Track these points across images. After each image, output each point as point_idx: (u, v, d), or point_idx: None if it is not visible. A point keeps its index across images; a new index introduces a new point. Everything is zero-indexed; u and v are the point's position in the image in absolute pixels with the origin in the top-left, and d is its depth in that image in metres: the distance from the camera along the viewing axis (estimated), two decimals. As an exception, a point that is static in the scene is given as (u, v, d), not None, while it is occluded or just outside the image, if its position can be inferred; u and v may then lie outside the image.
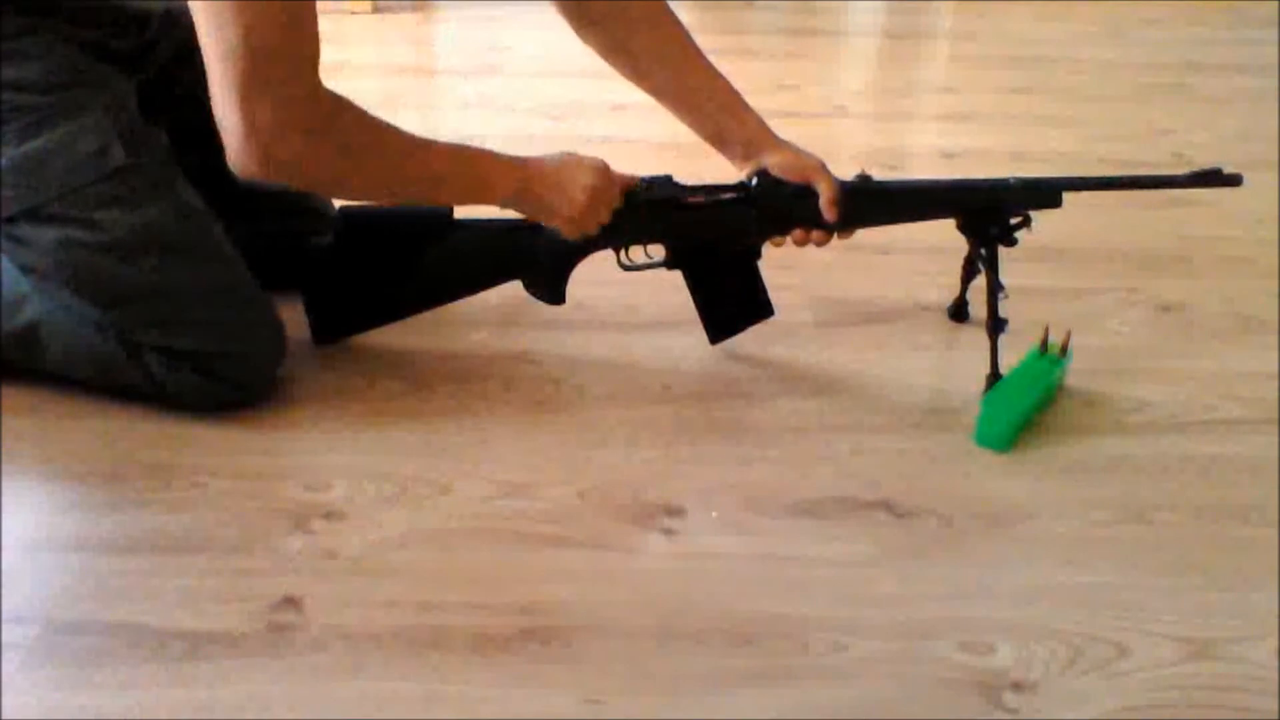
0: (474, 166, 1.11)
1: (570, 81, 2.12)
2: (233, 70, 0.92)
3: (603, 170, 1.16)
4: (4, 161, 1.06)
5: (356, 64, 2.34)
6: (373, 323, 1.27)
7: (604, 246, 1.22)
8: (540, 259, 1.23)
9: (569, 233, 1.17)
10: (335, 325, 1.26)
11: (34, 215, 1.08)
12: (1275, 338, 1.36)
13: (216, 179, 1.22)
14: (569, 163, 1.15)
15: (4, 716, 0.82)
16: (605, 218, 1.18)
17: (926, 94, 2.39)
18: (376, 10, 2.73)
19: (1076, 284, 1.48)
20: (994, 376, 1.19)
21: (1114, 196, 1.27)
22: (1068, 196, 1.19)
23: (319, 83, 0.97)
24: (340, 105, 1.00)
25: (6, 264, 1.14)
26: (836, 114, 2.16)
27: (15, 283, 1.14)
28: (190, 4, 0.92)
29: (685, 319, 1.28)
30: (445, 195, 1.12)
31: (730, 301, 1.26)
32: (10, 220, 1.08)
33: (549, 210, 1.15)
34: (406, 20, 2.73)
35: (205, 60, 0.93)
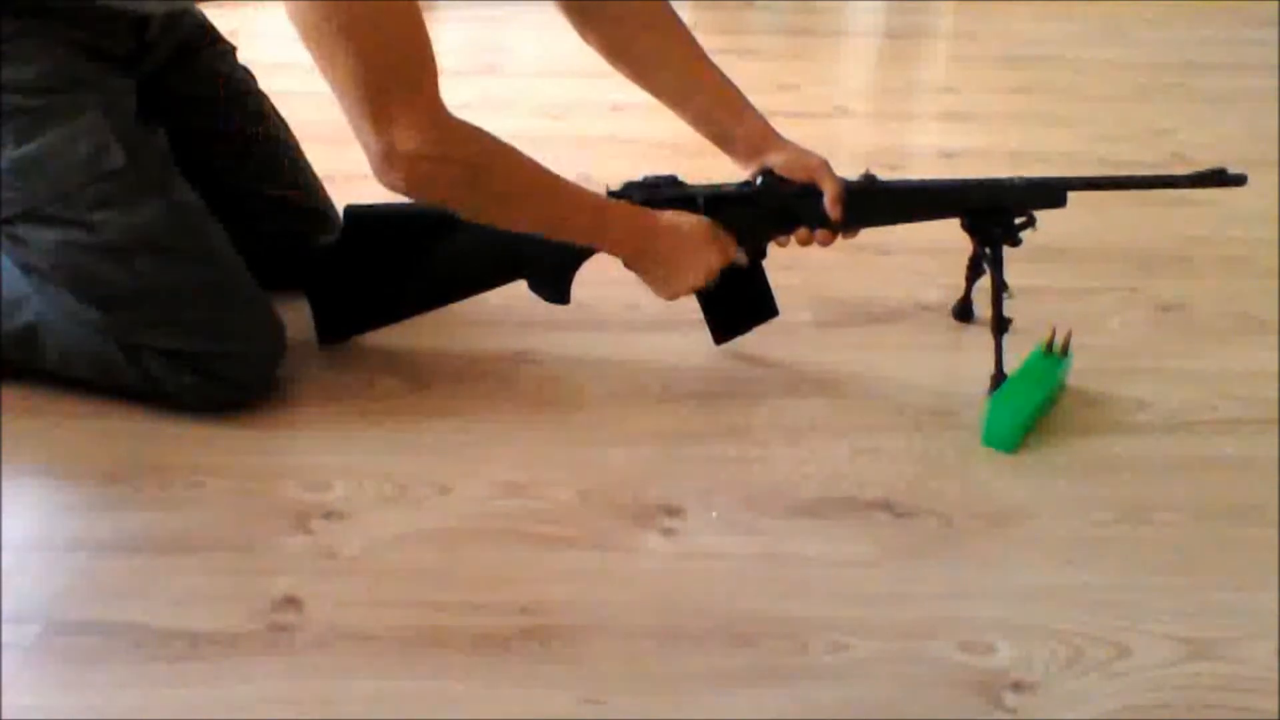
0: (600, 211, 1.14)
1: (570, 81, 2.11)
2: (361, 105, 0.96)
3: (718, 241, 1.17)
4: (2, 163, 1.06)
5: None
6: (378, 321, 1.27)
7: None
8: (545, 258, 1.23)
9: (677, 296, 1.20)
10: (341, 324, 1.26)
11: (33, 216, 1.08)
12: (1275, 338, 1.36)
13: (216, 179, 1.23)
14: (693, 236, 1.16)
15: (4, 716, 0.81)
16: (710, 286, 1.20)
17: (926, 94, 2.39)
18: (377, 10, 2.72)
19: (1076, 284, 1.48)
20: (999, 377, 1.19)
21: (1114, 196, 1.27)
22: (1069, 196, 1.19)
23: (443, 109, 1.01)
24: (472, 132, 1.03)
25: (6, 264, 1.14)
26: (837, 114, 2.16)
27: (15, 283, 1.14)
28: (304, 41, 0.95)
29: (686, 319, 1.28)
30: (568, 233, 1.15)
31: (735, 302, 1.26)
32: (9, 221, 1.08)
33: (661, 281, 1.18)
34: (406, 20, 2.72)
35: (334, 91, 0.97)
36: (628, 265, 1.19)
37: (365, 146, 0.99)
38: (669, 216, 1.16)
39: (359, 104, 0.97)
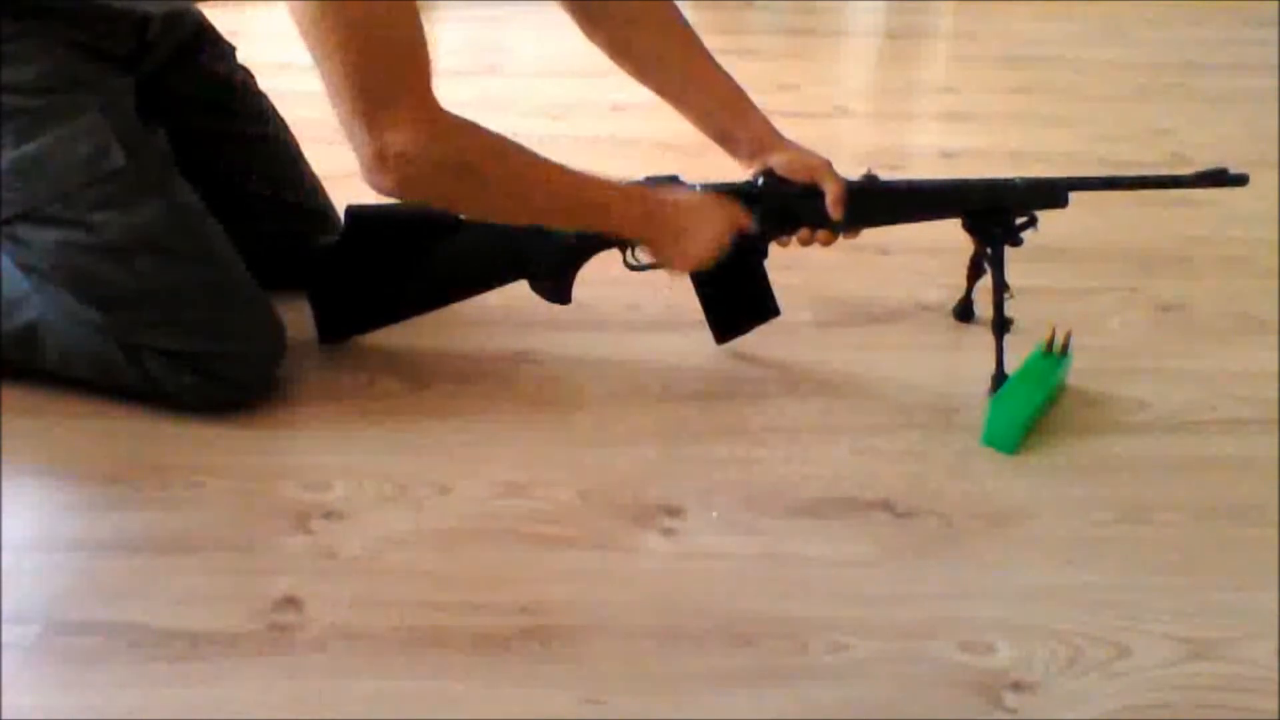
0: (600, 193, 1.12)
1: (570, 81, 2.11)
2: (353, 104, 0.95)
3: (725, 208, 1.17)
4: (2, 163, 1.06)
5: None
6: (380, 321, 1.27)
7: (612, 246, 1.22)
8: (547, 258, 1.23)
9: (687, 269, 1.19)
10: (342, 324, 1.26)
11: (33, 216, 1.08)
12: (1275, 338, 1.36)
13: (216, 180, 1.23)
14: (701, 205, 1.15)
15: (4, 716, 0.81)
16: (723, 253, 1.18)
17: (926, 94, 2.39)
18: (377, 10, 2.72)
19: (1076, 284, 1.48)
20: (1000, 377, 1.19)
21: (1114, 196, 1.27)
22: (1069, 196, 1.19)
23: (437, 106, 0.99)
24: (464, 129, 1.02)
25: (6, 264, 1.14)
26: (837, 114, 2.16)
27: (15, 283, 1.14)
28: (303, 40, 0.94)
29: (686, 319, 1.28)
30: (571, 220, 1.14)
31: (736, 302, 1.25)
32: (9, 221, 1.08)
33: (673, 254, 1.16)
34: (406, 20, 2.72)
35: (327, 90, 0.96)
36: (641, 243, 1.18)
37: (356, 148, 0.98)
38: (672, 190, 1.16)
39: (351, 104, 0.96)
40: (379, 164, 0.98)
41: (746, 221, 1.18)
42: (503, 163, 1.05)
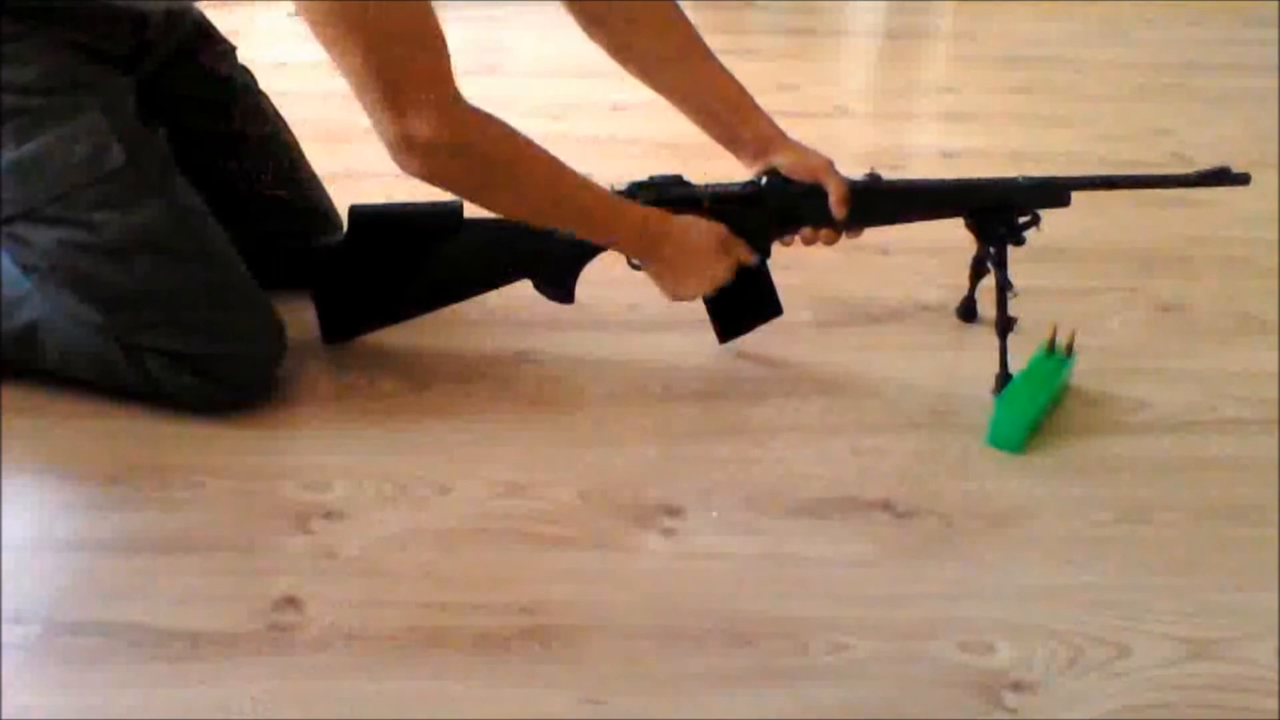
0: (607, 212, 1.13)
1: (570, 81, 2.11)
2: (378, 92, 0.97)
3: (729, 246, 1.18)
4: (2, 163, 1.06)
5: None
6: (383, 321, 1.27)
7: None
8: (550, 258, 1.23)
9: (686, 298, 1.21)
10: (345, 324, 1.26)
11: (33, 216, 1.08)
12: (1275, 338, 1.36)
13: (216, 180, 1.23)
14: (703, 245, 1.17)
15: (4, 716, 0.81)
16: (728, 277, 1.20)
17: (926, 94, 2.39)
18: (377, 10, 2.72)
19: (1076, 284, 1.48)
20: (1004, 377, 1.19)
21: (1114, 196, 1.27)
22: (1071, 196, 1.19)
23: (458, 99, 1.01)
24: (485, 121, 1.03)
25: (7, 264, 1.14)
26: (837, 114, 2.15)
27: (15, 283, 1.14)
28: (316, 35, 0.96)
29: (686, 319, 1.28)
30: (580, 228, 1.15)
31: (739, 301, 1.25)
32: (9, 221, 1.08)
33: (669, 284, 1.19)
34: (406, 20, 2.72)
35: (350, 83, 0.98)
36: (637, 262, 1.19)
37: (382, 134, 1.00)
38: (682, 221, 1.16)
39: (375, 94, 0.97)
40: (406, 147, 0.99)
41: (749, 258, 1.20)
42: (526, 161, 1.07)
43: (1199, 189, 1.21)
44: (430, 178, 1.03)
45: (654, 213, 1.16)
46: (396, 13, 0.96)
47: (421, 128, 0.98)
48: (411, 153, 0.99)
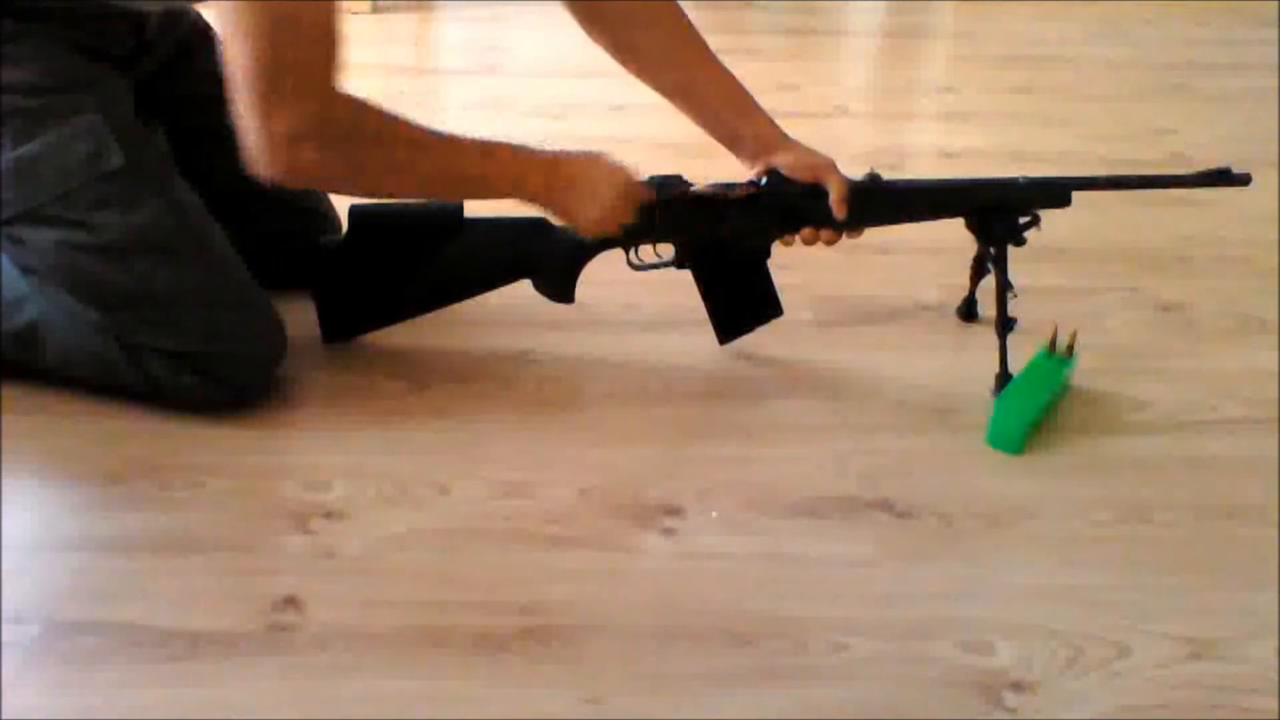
0: (499, 163, 1.10)
1: (570, 81, 2.11)
2: (250, 83, 0.95)
3: (626, 170, 1.16)
4: (2, 163, 1.06)
5: (356, 64, 2.33)
6: (384, 321, 1.27)
7: (616, 245, 1.22)
8: (551, 258, 1.23)
9: (590, 232, 1.17)
10: (345, 324, 1.26)
11: (32, 217, 1.08)
12: (1275, 338, 1.36)
13: (216, 179, 1.23)
14: (595, 163, 1.14)
15: (4, 716, 0.81)
16: (629, 218, 1.17)
17: (926, 94, 2.39)
18: (376, 10, 2.72)
19: (1076, 284, 1.48)
20: (1004, 377, 1.19)
21: (1114, 196, 1.27)
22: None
23: (335, 93, 0.99)
24: (359, 112, 1.01)
25: (6, 264, 1.14)
26: (837, 114, 2.16)
27: (15, 283, 1.14)
28: (215, 16, 0.94)
29: (686, 319, 1.28)
30: (470, 192, 1.13)
31: (740, 301, 1.26)
32: (9, 221, 1.08)
33: (574, 210, 1.14)
34: (406, 20, 2.72)
35: (227, 70, 0.96)
36: (543, 207, 1.15)
37: (245, 138, 0.98)
38: (569, 153, 1.13)
39: (246, 95, 0.96)
40: (264, 152, 0.98)
41: (640, 191, 1.17)
42: (398, 144, 1.04)
43: (1199, 189, 1.21)
44: (293, 173, 1.00)
45: (547, 155, 1.12)
46: (293, 16, 0.95)
47: (285, 122, 0.96)
48: (274, 149, 0.97)
